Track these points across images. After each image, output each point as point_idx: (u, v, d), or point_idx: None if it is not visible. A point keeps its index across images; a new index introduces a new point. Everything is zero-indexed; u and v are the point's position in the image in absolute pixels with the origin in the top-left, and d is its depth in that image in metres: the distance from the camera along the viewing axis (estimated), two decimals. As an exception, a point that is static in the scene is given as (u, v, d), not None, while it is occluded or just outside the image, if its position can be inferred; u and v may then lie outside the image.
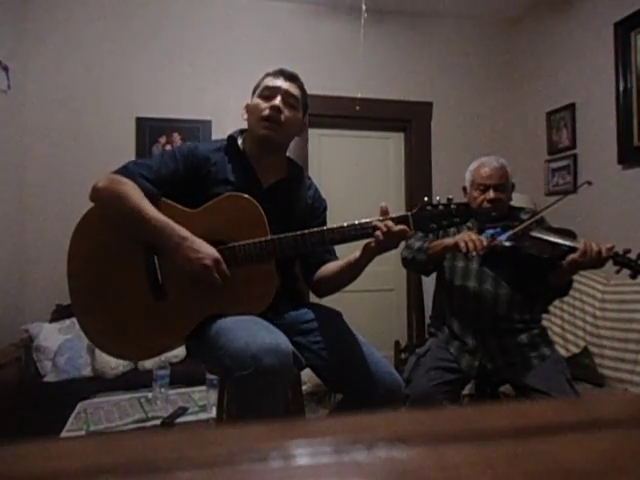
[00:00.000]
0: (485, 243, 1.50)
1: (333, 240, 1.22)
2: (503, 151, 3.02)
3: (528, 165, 3.27)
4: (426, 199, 1.19)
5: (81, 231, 1.26)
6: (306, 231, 1.20)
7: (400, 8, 3.27)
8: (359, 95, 2.72)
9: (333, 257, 1.40)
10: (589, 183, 1.65)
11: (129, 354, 1.40)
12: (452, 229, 1.79)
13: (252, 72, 1.42)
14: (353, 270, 1.27)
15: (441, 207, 1.17)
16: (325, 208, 1.48)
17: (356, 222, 1.18)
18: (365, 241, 1.20)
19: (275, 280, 1.23)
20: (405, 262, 1.81)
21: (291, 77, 1.34)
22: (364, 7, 2.53)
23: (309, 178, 1.50)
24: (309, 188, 1.45)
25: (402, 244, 1.22)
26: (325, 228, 1.20)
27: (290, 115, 1.31)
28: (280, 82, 1.32)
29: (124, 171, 1.24)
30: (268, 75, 1.36)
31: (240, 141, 1.38)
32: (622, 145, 2.57)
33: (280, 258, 1.23)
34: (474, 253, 1.50)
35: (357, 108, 2.76)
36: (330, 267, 1.35)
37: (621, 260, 1.44)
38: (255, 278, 1.22)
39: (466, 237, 1.51)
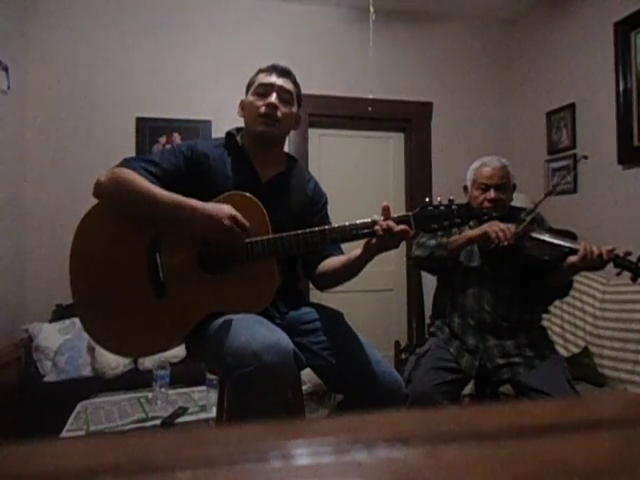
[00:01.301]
0: (513, 230, 1.49)
1: (334, 239, 1.22)
2: (503, 151, 3.03)
3: (528, 165, 3.28)
4: (427, 199, 1.19)
5: (84, 228, 1.26)
6: (307, 230, 1.20)
7: (400, 8, 3.28)
8: (370, 96, 2.71)
9: (335, 251, 1.40)
10: (585, 157, 1.64)
11: (130, 351, 1.40)
12: (454, 230, 1.79)
13: (252, 72, 1.42)
14: (354, 267, 1.27)
15: (442, 208, 1.17)
16: (326, 201, 1.48)
17: (357, 221, 1.18)
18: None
19: (276, 279, 1.23)
20: (419, 260, 1.76)
21: (284, 72, 1.35)
22: (372, 9, 2.52)
23: (308, 172, 1.51)
24: (308, 181, 1.46)
25: (403, 245, 1.22)
26: (326, 227, 1.21)
27: (286, 111, 1.33)
28: (274, 78, 1.33)
29: (125, 164, 1.25)
30: (261, 71, 1.36)
31: (238, 138, 1.39)
32: (622, 145, 2.57)
33: (281, 257, 1.23)
34: (505, 243, 1.48)
35: (369, 109, 2.75)
36: (332, 262, 1.35)
37: (622, 263, 1.44)
38: (256, 277, 1.22)
39: (495, 227, 1.50)
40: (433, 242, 1.71)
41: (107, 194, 1.24)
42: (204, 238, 1.21)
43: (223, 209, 1.16)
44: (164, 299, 1.23)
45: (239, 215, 1.16)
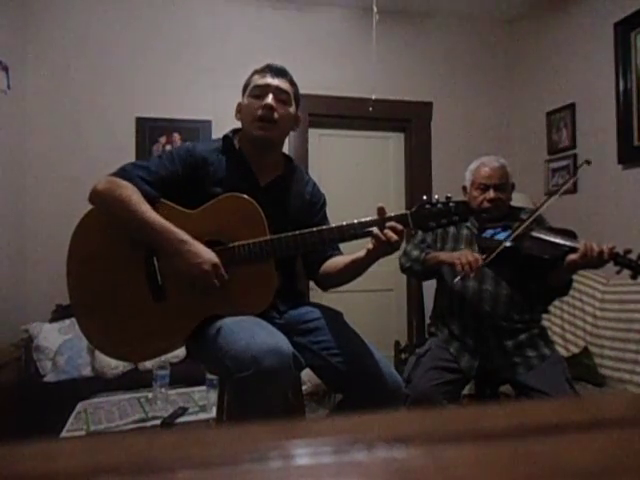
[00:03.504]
0: (480, 262, 1.50)
1: (332, 240, 1.22)
2: (503, 151, 3.03)
3: (528, 165, 3.27)
4: (425, 197, 1.19)
5: (81, 232, 1.26)
6: (305, 231, 1.20)
7: (400, 8, 3.27)
8: (373, 97, 2.71)
9: (337, 252, 1.40)
10: (588, 162, 1.63)
11: (129, 356, 1.40)
12: (452, 229, 1.79)
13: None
14: (358, 268, 1.28)
15: (440, 205, 1.16)
16: (324, 202, 1.48)
17: (355, 221, 1.18)
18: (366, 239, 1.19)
19: (274, 280, 1.23)
20: (402, 269, 1.83)
21: (279, 72, 1.33)
22: (375, 9, 2.52)
23: (307, 174, 1.50)
24: (307, 184, 1.45)
25: (403, 245, 1.22)
26: (324, 228, 1.21)
27: (283, 112, 1.31)
28: (269, 79, 1.31)
29: (123, 173, 1.24)
30: (256, 72, 1.35)
31: (236, 141, 1.38)
32: (622, 145, 2.57)
33: (279, 258, 1.23)
34: (471, 275, 1.51)
35: (370, 109, 2.76)
36: (335, 263, 1.35)
37: (622, 261, 1.44)
38: (254, 278, 1.22)
39: (463, 258, 1.52)
40: (415, 254, 1.76)
41: (102, 206, 1.23)
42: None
43: (208, 255, 1.17)
44: (163, 303, 1.23)
45: (220, 266, 1.17)
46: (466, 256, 1.52)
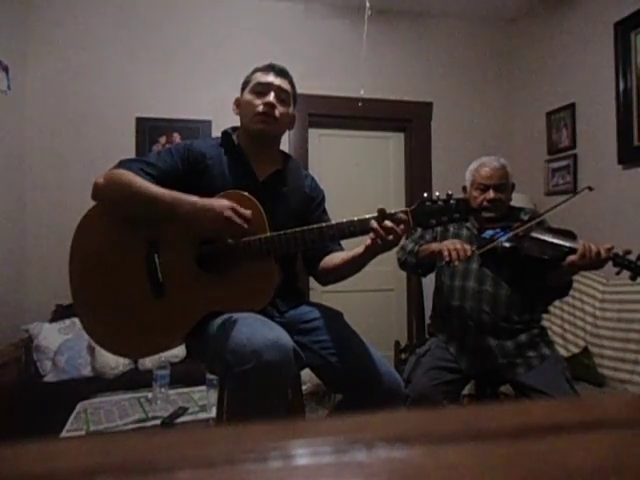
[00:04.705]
0: (469, 253, 1.49)
1: (332, 237, 1.22)
2: (503, 151, 3.03)
3: (528, 165, 3.27)
4: (425, 195, 1.18)
5: (83, 230, 1.27)
6: (305, 228, 1.20)
7: (400, 8, 3.27)
8: (362, 93, 2.72)
9: (336, 246, 1.40)
10: (590, 189, 1.62)
11: (130, 352, 1.40)
12: (452, 228, 1.79)
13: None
14: (357, 264, 1.28)
15: (440, 202, 1.16)
16: (323, 198, 1.49)
17: (355, 219, 1.18)
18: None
19: (275, 277, 1.23)
20: (399, 263, 1.84)
21: (281, 72, 1.36)
22: (368, 4, 2.53)
23: (305, 169, 1.51)
24: (305, 178, 1.47)
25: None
26: (324, 225, 1.21)
27: (283, 110, 1.34)
28: (271, 78, 1.33)
29: (122, 166, 1.26)
30: (258, 70, 1.37)
31: (234, 136, 1.39)
32: (622, 145, 2.57)
33: (280, 255, 1.23)
34: (456, 263, 1.50)
35: (360, 104, 2.77)
36: (334, 258, 1.35)
37: (621, 261, 1.44)
38: (255, 275, 1.22)
39: (451, 245, 1.51)
40: (410, 247, 1.77)
41: (105, 196, 1.24)
42: (205, 232, 1.21)
43: (222, 202, 1.17)
44: (163, 299, 1.23)
45: (238, 206, 1.17)
46: (454, 244, 1.52)
